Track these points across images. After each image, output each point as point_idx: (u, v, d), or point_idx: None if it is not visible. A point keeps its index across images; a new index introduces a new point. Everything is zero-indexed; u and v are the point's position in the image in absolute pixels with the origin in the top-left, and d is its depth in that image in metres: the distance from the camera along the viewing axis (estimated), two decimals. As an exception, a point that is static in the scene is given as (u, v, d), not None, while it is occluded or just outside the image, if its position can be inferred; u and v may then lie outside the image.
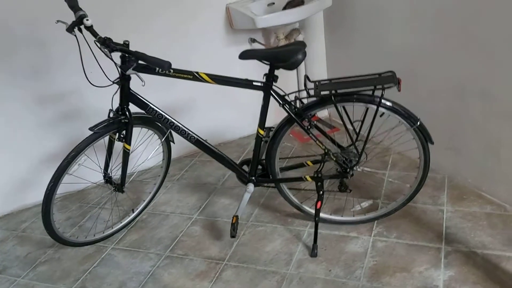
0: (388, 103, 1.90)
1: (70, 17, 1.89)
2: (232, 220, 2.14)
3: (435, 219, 2.20)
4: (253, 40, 3.01)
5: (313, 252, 2.08)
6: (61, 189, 2.07)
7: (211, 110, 3.08)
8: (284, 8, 2.87)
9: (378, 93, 1.87)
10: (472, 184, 2.37)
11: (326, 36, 3.18)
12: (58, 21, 1.87)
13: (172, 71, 1.92)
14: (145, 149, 2.38)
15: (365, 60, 2.85)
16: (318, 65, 3.23)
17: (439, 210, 2.26)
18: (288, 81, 2.65)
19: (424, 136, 1.95)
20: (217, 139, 3.18)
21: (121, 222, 2.43)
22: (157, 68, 1.91)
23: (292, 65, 1.85)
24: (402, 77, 1.87)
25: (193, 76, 1.95)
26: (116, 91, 2.00)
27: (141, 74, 1.88)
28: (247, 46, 3.02)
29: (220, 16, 2.90)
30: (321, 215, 2.17)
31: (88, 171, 2.21)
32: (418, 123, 1.91)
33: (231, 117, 3.20)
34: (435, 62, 2.36)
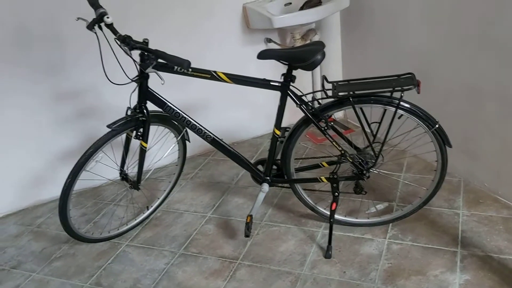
0: (407, 105, 1.89)
1: (87, 15, 1.91)
2: (247, 219, 2.14)
3: (451, 223, 2.18)
4: (269, 40, 3.01)
5: (327, 253, 2.07)
6: (77, 186, 2.08)
7: (224, 110, 3.08)
8: (301, 8, 2.86)
9: (396, 94, 1.87)
10: (489, 188, 2.35)
11: (342, 37, 3.17)
12: (78, 18, 1.89)
13: (190, 70, 1.93)
14: (161, 147, 2.38)
15: (381, 61, 2.84)
16: (333, 65, 3.22)
17: (455, 214, 2.24)
18: (302, 81, 2.64)
19: (442, 139, 1.93)
20: (231, 138, 3.19)
21: (135, 219, 2.44)
22: (176, 67, 1.92)
23: (311, 66, 1.85)
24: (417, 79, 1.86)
25: (211, 75, 1.95)
26: (135, 89, 2.01)
27: (160, 73, 1.89)
28: (263, 46, 3.02)
29: (236, 15, 2.90)
30: (336, 216, 2.17)
31: (105, 168, 2.22)
32: (437, 125, 1.90)
33: (244, 117, 3.20)
34: (451, 64, 2.35)
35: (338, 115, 3.36)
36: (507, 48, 2.04)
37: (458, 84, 2.35)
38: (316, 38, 3.05)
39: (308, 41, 3.02)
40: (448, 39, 2.33)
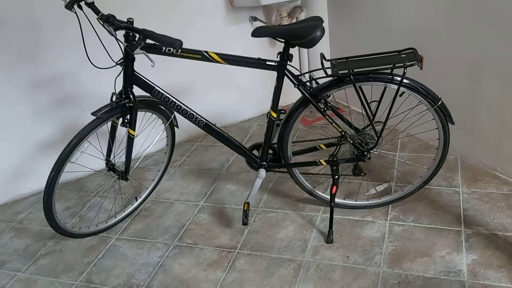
0: (409, 82, 1.81)
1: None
2: (244, 207, 2.05)
3: (452, 201, 2.14)
4: (254, 19, 2.89)
5: (328, 238, 2.01)
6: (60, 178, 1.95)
7: (210, 93, 2.96)
8: (288, -16, 2.75)
9: (396, 71, 1.79)
10: (486, 164, 2.32)
11: (329, 14, 3.07)
12: (55, -3, 1.74)
13: (180, 51, 1.80)
14: (149, 135, 2.26)
15: (371, 39, 2.76)
16: (320, 43, 3.12)
17: (455, 192, 2.20)
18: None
19: (445, 116, 1.87)
20: (218, 123, 3.05)
21: (124, 211, 2.32)
22: (164, 48, 1.79)
23: (309, 43, 1.74)
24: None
25: (202, 56, 1.83)
26: (120, 73, 1.88)
27: (149, 55, 1.76)
28: (248, 25, 2.90)
29: (219, -7, 2.77)
30: (335, 200, 2.10)
31: (90, 159, 2.09)
32: (440, 102, 1.83)
33: (231, 100, 3.09)
34: (447, 40, 2.28)
35: (327, 95, 3.27)
36: (507, 24, 1.98)
37: (454, 61, 2.29)
38: (302, 15, 2.95)
39: (294, 19, 2.92)
40: (443, 15, 2.26)
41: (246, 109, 3.14)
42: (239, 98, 3.09)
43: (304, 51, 2.99)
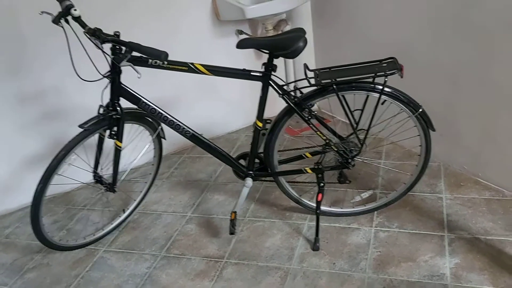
0: (390, 90, 1.86)
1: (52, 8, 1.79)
2: (231, 216, 2.07)
3: (435, 207, 2.18)
4: (240, 32, 2.91)
5: (315, 245, 2.03)
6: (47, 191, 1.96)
7: (197, 105, 2.99)
8: (272, -3, 2.80)
9: (378, 80, 1.83)
10: (468, 170, 2.37)
11: (313, 25, 3.13)
12: (42, 12, 1.76)
13: (166, 62, 1.83)
14: (136, 147, 2.28)
15: (354, 50, 2.82)
16: (305, 55, 3.18)
17: (438, 198, 2.24)
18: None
19: (426, 123, 1.92)
20: (205, 134, 3.08)
21: (112, 224, 2.32)
22: (150, 60, 1.82)
23: (293, 53, 1.78)
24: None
25: (188, 67, 1.87)
26: (106, 86, 1.90)
27: (136, 67, 1.79)
28: (234, 38, 2.91)
29: (206, 7, 2.81)
30: (321, 207, 2.12)
31: (77, 171, 2.10)
32: (421, 110, 1.88)
33: (218, 111, 3.12)
34: (428, 49, 2.34)
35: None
36: (483, 31, 2.04)
37: (435, 68, 2.35)
38: (287, 28, 3.00)
39: (279, 32, 2.97)
40: (423, 24, 2.32)
41: (234, 120, 3.17)
42: (226, 110, 3.12)
43: (290, 62, 3.04)
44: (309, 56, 3.21)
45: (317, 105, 3.29)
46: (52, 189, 2.05)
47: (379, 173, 2.49)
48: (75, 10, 1.72)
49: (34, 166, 2.55)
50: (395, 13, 2.46)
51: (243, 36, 2.95)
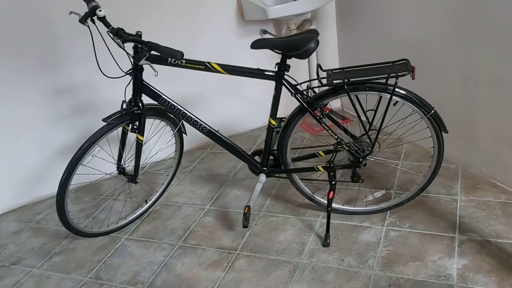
0: (402, 92, 1.89)
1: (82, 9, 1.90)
2: (244, 210, 2.15)
3: (449, 209, 2.19)
4: (264, 32, 3.00)
5: (325, 242, 2.08)
6: (75, 181, 2.09)
7: (220, 103, 3.08)
8: (296, -2, 2.85)
9: (391, 81, 1.86)
10: (486, 173, 2.35)
11: (338, 26, 3.16)
12: (71, 12, 1.88)
13: (184, 61, 1.92)
14: (158, 140, 2.38)
15: (377, 49, 2.84)
16: (330, 54, 3.22)
17: (453, 200, 2.24)
18: (298, 71, 2.63)
19: (438, 125, 1.93)
20: (228, 131, 3.17)
21: (134, 213, 2.44)
22: (169, 59, 1.91)
23: (304, 54, 1.84)
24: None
25: (205, 66, 1.95)
26: (129, 82, 2.01)
27: (154, 65, 1.88)
28: (258, 37, 3.00)
29: (231, 7, 2.89)
30: (334, 205, 2.17)
31: (102, 162, 2.23)
32: (433, 111, 1.89)
33: (241, 109, 3.19)
34: (446, 51, 2.34)
35: (335, 105, 3.35)
36: (501, 33, 2.03)
37: (453, 70, 2.34)
38: (311, 28, 3.04)
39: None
40: (443, 26, 2.32)
41: (256, 118, 3.24)
42: (249, 107, 3.19)
43: (312, 61, 3.08)
44: (333, 56, 3.24)
45: (340, 104, 3.33)
46: (81, 179, 2.19)
47: (395, 174, 2.50)
48: (99, 10, 1.83)
49: (64, 157, 2.68)
50: (415, 14, 2.47)
51: (267, 36, 3.03)
